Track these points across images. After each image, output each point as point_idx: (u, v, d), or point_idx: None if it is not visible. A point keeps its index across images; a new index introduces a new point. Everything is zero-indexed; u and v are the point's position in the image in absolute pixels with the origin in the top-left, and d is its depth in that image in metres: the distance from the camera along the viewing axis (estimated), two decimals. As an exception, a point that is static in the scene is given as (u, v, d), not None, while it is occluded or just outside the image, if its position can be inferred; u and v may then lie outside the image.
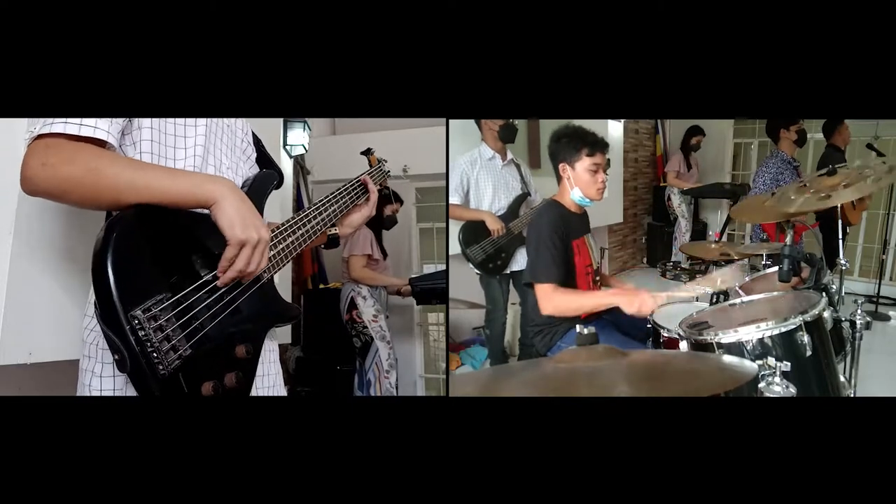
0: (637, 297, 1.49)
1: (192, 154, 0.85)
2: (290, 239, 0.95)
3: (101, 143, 0.74)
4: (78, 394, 0.81)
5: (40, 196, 0.73)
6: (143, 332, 0.67)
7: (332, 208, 1.08)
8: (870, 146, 3.38)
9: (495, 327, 2.53)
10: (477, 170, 2.36)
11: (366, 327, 2.87)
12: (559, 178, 1.75)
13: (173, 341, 0.70)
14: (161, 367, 0.68)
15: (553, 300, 1.60)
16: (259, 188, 0.96)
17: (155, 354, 0.67)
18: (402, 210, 3.16)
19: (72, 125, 0.71)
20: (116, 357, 0.68)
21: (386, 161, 1.36)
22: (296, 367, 3.13)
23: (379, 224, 2.98)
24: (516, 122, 2.42)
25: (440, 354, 3.87)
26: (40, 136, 0.71)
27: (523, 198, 2.42)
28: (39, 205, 1.01)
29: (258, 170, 1.03)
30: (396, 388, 2.87)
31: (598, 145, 1.67)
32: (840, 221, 1.80)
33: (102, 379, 0.78)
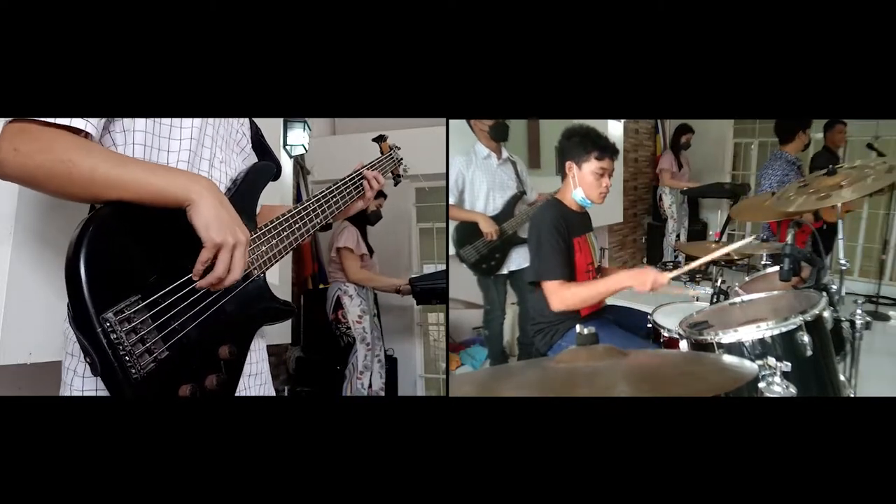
0: (646, 275, 1.50)
1: (186, 147, 0.83)
2: (287, 233, 0.92)
3: (77, 132, 0.71)
4: (60, 393, 0.80)
5: (11, 181, 0.71)
6: (114, 336, 0.65)
7: (336, 199, 1.04)
8: (870, 146, 3.38)
9: (494, 327, 2.53)
10: (472, 169, 2.35)
11: (349, 328, 2.85)
12: (563, 176, 1.75)
13: (148, 344, 0.68)
14: (134, 370, 0.66)
15: (562, 296, 1.60)
16: (254, 180, 0.93)
17: (127, 358, 0.65)
18: (402, 210, 3.15)
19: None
20: (88, 360, 0.66)
21: (399, 147, 1.31)
22: (296, 367, 3.13)
23: (363, 220, 2.95)
24: (508, 120, 2.41)
25: (440, 354, 3.86)
26: (15, 120, 0.69)
27: (518, 197, 2.41)
28: (39, 205, 1.01)
29: (255, 160, 1.00)
30: (369, 389, 2.84)
31: (608, 150, 1.68)
32: (829, 221, 1.81)
33: (84, 379, 0.76)
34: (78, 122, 0.71)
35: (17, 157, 0.67)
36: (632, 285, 1.52)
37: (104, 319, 0.65)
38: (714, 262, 2.33)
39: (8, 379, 1.04)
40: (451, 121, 2.31)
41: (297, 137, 3.16)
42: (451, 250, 2.38)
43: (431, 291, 2.74)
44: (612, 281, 1.58)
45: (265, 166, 0.98)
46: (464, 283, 2.55)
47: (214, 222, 0.75)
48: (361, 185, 1.12)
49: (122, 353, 0.65)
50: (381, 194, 2.99)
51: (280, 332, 2.50)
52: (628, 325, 1.76)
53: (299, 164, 3.46)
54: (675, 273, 1.55)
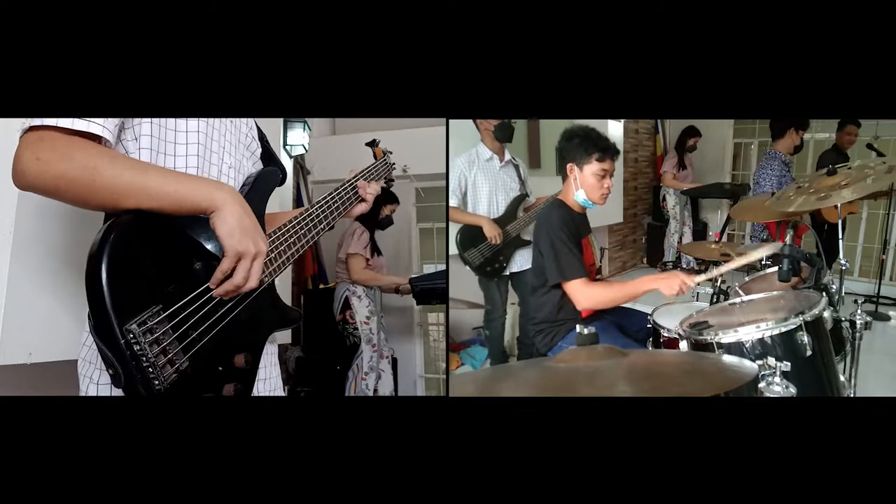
0: (675, 279, 1.51)
1: (193, 152, 0.83)
2: (294, 238, 0.92)
3: (95, 139, 0.71)
4: None
5: (32, 191, 0.70)
6: (138, 347, 0.64)
7: (337, 204, 1.05)
8: (870, 146, 3.38)
9: (494, 328, 2.53)
10: (474, 171, 2.34)
11: (356, 328, 2.86)
12: (565, 177, 1.75)
13: (170, 355, 0.67)
14: (157, 382, 0.65)
15: (590, 294, 1.61)
16: (262, 186, 0.94)
17: (150, 370, 0.64)
18: (402, 210, 3.16)
19: (65, 119, 0.68)
20: (111, 372, 0.65)
21: (391, 153, 1.30)
22: (296, 367, 3.13)
23: (375, 223, 2.97)
24: (513, 121, 2.41)
25: (440, 354, 3.86)
26: (33, 129, 0.68)
27: (521, 199, 2.41)
28: (39, 205, 1.01)
29: (262, 166, 1.01)
30: (375, 391, 2.85)
31: (609, 151, 1.67)
32: (830, 221, 1.81)
33: (100, 387, 0.76)
34: (95, 128, 0.70)
35: (39, 165, 0.66)
36: (660, 289, 1.53)
37: (128, 331, 0.63)
38: (714, 262, 2.33)
39: (8, 379, 1.04)
40: (453, 121, 2.31)
41: (297, 137, 3.16)
42: (452, 250, 2.38)
43: (431, 291, 2.74)
44: (640, 283, 1.59)
45: (272, 172, 0.97)
46: (464, 284, 2.54)
47: (238, 230, 0.75)
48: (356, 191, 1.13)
49: (145, 364, 0.64)
50: (394, 199, 2.99)
51: (280, 333, 2.50)
52: (628, 326, 1.76)
53: (299, 164, 3.47)
54: (702, 278, 1.57)
